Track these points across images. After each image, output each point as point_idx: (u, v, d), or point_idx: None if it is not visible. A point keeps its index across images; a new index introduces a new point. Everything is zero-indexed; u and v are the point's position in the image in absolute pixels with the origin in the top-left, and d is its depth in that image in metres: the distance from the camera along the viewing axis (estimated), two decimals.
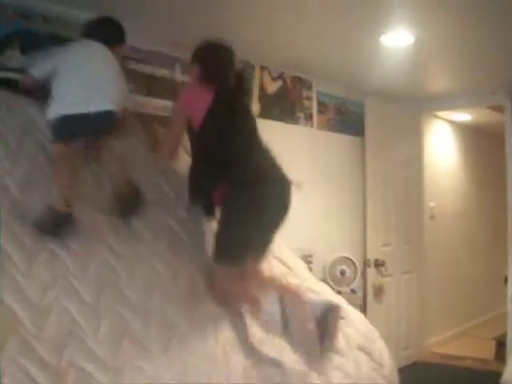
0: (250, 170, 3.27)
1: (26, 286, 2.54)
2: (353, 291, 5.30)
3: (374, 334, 3.73)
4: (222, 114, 3.25)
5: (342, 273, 5.26)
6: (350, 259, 5.35)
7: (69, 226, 2.87)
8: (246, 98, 3.61)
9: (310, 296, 3.31)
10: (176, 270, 3.13)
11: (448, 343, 7.32)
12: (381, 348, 3.66)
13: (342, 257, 5.32)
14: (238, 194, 3.19)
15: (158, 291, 2.94)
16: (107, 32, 3.32)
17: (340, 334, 3.34)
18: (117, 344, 2.56)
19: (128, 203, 3.18)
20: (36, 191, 2.94)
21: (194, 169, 3.36)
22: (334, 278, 5.22)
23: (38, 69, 3.19)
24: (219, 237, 3.22)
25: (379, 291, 5.73)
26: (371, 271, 5.71)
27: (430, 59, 4.94)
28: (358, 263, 5.43)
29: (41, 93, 3.16)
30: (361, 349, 3.51)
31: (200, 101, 3.26)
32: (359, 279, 5.47)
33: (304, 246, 5.11)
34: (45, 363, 2.30)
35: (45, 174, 3.03)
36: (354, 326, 3.53)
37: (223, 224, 3.24)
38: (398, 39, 4.33)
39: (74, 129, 2.98)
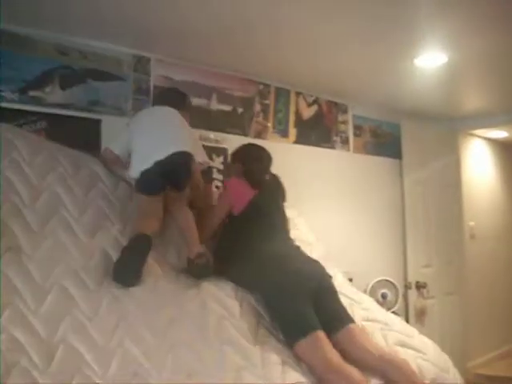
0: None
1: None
2: (395, 314, 5.26)
3: (448, 363, 3.64)
4: (261, 211, 3.49)
5: (384, 296, 5.23)
6: (391, 282, 5.32)
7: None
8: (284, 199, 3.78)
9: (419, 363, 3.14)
10: None
11: (493, 364, 7.21)
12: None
13: (383, 280, 5.29)
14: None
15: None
16: (174, 99, 3.55)
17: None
18: None
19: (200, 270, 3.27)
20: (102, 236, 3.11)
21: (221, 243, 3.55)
22: (376, 301, 5.17)
23: (117, 144, 3.36)
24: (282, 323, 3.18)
25: (421, 313, 5.68)
26: (412, 293, 5.67)
27: (463, 78, 4.94)
28: (399, 286, 5.39)
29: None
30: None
31: (245, 194, 3.48)
32: (401, 302, 5.43)
33: (345, 270, 5.10)
34: None
35: (109, 220, 3.22)
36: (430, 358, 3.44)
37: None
38: (431, 60, 4.34)
39: (152, 180, 3.14)
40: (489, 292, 7.42)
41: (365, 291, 5.17)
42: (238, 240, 3.41)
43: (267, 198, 3.57)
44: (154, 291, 3.05)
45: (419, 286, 5.70)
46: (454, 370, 3.54)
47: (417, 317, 5.64)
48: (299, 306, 3.09)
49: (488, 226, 7.62)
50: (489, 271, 7.48)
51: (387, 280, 5.31)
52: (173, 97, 3.60)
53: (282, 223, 3.61)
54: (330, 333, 3.05)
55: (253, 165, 3.64)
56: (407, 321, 5.58)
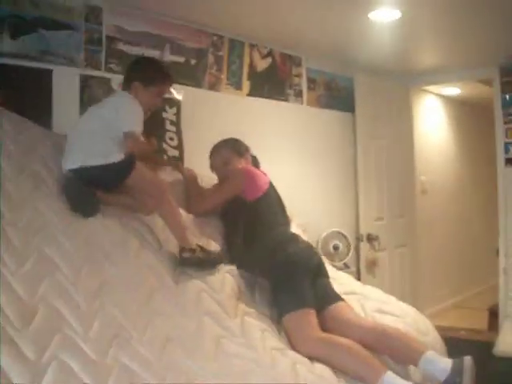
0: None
1: None
2: (346, 266, 5.35)
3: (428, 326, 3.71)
4: (273, 199, 3.72)
5: (335, 247, 5.30)
6: (343, 234, 5.39)
7: None
8: None
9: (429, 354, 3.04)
10: None
11: (442, 315, 7.39)
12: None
13: (335, 231, 5.35)
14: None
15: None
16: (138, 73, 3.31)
17: None
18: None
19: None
20: None
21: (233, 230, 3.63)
22: (327, 252, 5.25)
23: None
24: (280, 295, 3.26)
25: (372, 265, 5.76)
26: (364, 245, 5.75)
27: (417, 34, 4.96)
28: (350, 238, 5.46)
29: None
30: None
31: (264, 182, 3.71)
32: (352, 254, 5.51)
33: (298, 222, 5.15)
34: None
35: None
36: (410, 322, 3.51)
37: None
38: (385, 15, 4.36)
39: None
40: (439, 245, 7.59)
41: (317, 242, 5.24)
42: (256, 225, 3.53)
43: (274, 187, 3.80)
44: (136, 260, 3.08)
45: (371, 239, 5.77)
46: (435, 333, 3.64)
47: (368, 268, 5.73)
48: (303, 281, 3.23)
49: (439, 181, 7.76)
50: (439, 225, 7.63)
51: (339, 232, 5.38)
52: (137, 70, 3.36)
53: (284, 210, 3.80)
54: (321, 309, 3.20)
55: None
56: (358, 272, 5.69)
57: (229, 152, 3.84)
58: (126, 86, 3.28)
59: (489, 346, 5.18)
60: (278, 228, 3.60)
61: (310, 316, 3.10)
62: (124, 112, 3.13)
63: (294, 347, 2.98)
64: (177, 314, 2.90)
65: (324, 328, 3.10)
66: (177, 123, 4.40)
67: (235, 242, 3.57)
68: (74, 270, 2.77)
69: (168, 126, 4.37)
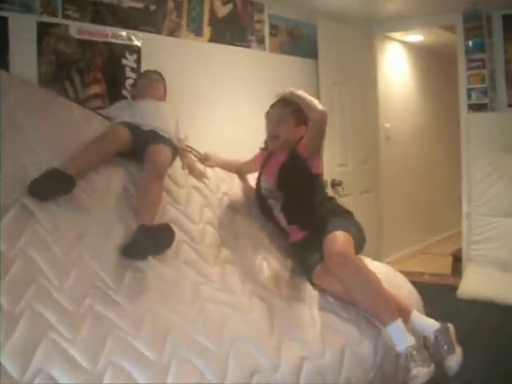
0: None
1: None
2: None
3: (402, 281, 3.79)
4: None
5: None
6: None
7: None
8: None
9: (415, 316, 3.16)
10: None
11: (406, 261, 7.52)
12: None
13: None
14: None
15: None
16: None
17: None
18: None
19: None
20: None
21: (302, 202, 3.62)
22: None
23: None
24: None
25: None
26: (328, 191, 5.76)
27: None
28: None
29: None
30: None
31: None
32: None
33: None
34: None
35: None
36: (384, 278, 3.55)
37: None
38: None
39: None
40: (403, 192, 7.67)
41: None
42: (319, 194, 3.69)
43: None
44: (113, 212, 3.12)
45: (335, 184, 5.80)
46: (409, 286, 3.70)
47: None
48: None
49: (403, 127, 7.81)
50: (403, 171, 7.71)
51: None
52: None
53: None
54: None
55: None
56: None
57: (290, 114, 3.74)
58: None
59: (452, 289, 5.29)
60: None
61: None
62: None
63: (332, 254, 3.07)
64: (155, 264, 2.94)
65: None
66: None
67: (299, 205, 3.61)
68: (54, 222, 2.79)
69: (128, 73, 4.33)
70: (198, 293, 2.81)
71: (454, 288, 5.44)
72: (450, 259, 6.74)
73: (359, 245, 3.37)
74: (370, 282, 3.01)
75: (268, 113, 3.81)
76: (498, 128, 5.81)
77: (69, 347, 2.25)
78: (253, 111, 5.18)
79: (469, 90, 6.04)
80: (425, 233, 8.40)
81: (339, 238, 3.15)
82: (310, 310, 2.97)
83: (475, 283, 5.45)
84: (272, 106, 3.80)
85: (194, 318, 2.59)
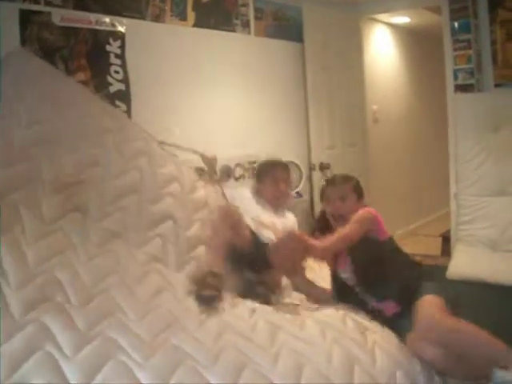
0: None
1: None
2: (299, 195, 5.38)
3: None
4: None
5: None
6: (295, 163, 5.40)
7: None
8: None
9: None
10: None
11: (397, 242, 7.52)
12: None
13: (287, 161, 5.33)
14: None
15: None
16: None
17: None
18: None
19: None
20: None
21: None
22: None
23: None
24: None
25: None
26: (316, 174, 5.79)
27: None
28: (303, 167, 5.48)
29: None
30: None
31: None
32: (305, 183, 5.54)
33: (249, 153, 5.17)
34: None
35: None
36: None
37: None
38: None
39: None
40: (392, 173, 7.69)
41: None
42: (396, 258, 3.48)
43: None
44: None
45: (323, 167, 5.81)
46: None
47: (321, 197, 5.76)
48: None
49: (390, 109, 7.82)
50: (392, 153, 7.72)
51: (291, 161, 5.37)
52: None
53: None
54: None
55: None
56: (312, 201, 5.74)
57: (349, 189, 3.74)
58: None
59: (443, 270, 5.30)
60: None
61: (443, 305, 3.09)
62: None
63: (419, 320, 2.97)
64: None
65: None
66: (121, 56, 4.33)
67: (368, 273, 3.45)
68: None
69: (112, 60, 4.31)
70: (277, 337, 2.72)
71: (444, 269, 5.44)
72: (439, 240, 6.75)
73: (450, 301, 3.19)
74: (469, 332, 2.90)
75: (326, 192, 3.80)
76: (485, 108, 5.80)
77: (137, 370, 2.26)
78: (239, 96, 5.19)
79: (455, 71, 6.03)
80: (414, 214, 8.44)
81: (424, 303, 3.06)
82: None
83: (464, 263, 5.46)
84: (329, 185, 3.82)
85: (271, 359, 2.50)
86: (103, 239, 3.12)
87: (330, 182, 3.83)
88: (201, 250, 3.65)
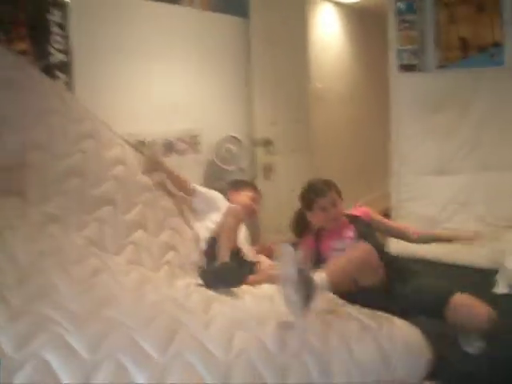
0: None
1: None
2: (241, 170, 5.39)
3: None
4: None
5: (230, 152, 5.30)
6: (237, 138, 5.40)
7: None
8: None
9: None
10: None
11: None
12: None
13: (230, 136, 5.35)
14: None
15: None
16: None
17: None
18: None
19: None
20: None
21: None
22: (222, 157, 5.27)
23: None
24: None
25: (268, 170, 5.83)
26: (259, 150, 5.79)
27: None
28: (245, 142, 5.48)
29: None
30: None
31: None
32: (247, 158, 5.54)
33: (191, 127, 5.14)
34: None
35: None
36: None
37: None
38: None
39: None
40: (335, 151, 7.76)
41: (211, 147, 5.25)
42: None
43: None
44: None
45: (266, 143, 5.81)
46: None
47: (264, 173, 5.79)
48: None
49: (335, 87, 7.85)
50: (335, 131, 7.79)
51: (234, 136, 5.38)
52: None
53: None
54: None
55: None
56: (255, 177, 5.75)
57: (337, 194, 3.98)
58: None
59: (382, 245, 5.38)
60: None
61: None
62: None
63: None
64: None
65: None
66: (64, 26, 4.23)
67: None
68: None
69: (54, 29, 4.21)
70: (211, 306, 2.79)
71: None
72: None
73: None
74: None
75: (318, 203, 3.90)
76: (427, 88, 5.90)
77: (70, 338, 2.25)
78: (183, 69, 5.15)
79: (399, 51, 6.08)
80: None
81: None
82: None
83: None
84: (319, 196, 3.91)
85: (204, 324, 2.56)
86: (43, 223, 3.10)
87: (319, 192, 3.94)
88: (140, 233, 3.66)
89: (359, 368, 2.60)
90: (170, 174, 4.28)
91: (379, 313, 3.07)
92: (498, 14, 5.65)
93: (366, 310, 3.09)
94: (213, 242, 3.98)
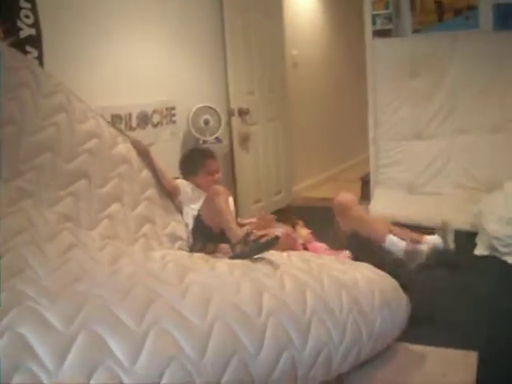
0: None
1: None
2: (218, 140, 5.34)
3: None
4: None
5: (206, 122, 5.25)
6: (213, 108, 5.35)
7: None
8: None
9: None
10: None
11: (317, 187, 7.65)
12: None
13: (205, 106, 5.30)
14: None
15: None
16: None
17: None
18: None
19: None
20: None
21: None
22: (198, 127, 5.22)
23: None
24: None
25: (245, 139, 5.80)
26: (236, 120, 5.76)
27: None
28: (221, 112, 5.44)
29: None
30: None
31: None
32: (224, 128, 5.51)
33: (167, 99, 5.10)
34: None
35: None
36: None
37: None
38: None
39: None
40: (312, 119, 7.75)
41: (187, 118, 5.21)
42: None
43: None
44: None
45: (242, 113, 5.76)
46: None
47: (241, 142, 5.77)
48: None
49: (310, 54, 7.82)
50: (311, 99, 7.77)
51: (209, 106, 5.33)
52: None
53: None
54: None
55: None
56: (231, 147, 5.73)
57: None
58: None
59: None
60: None
61: None
62: None
63: None
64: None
65: None
66: (32, 0, 4.15)
67: None
68: None
69: (22, 3, 4.12)
70: (186, 276, 2.72)
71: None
72: (359, 184, 6.87)
73: None
74: None
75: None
76: (403, 53, 5.89)
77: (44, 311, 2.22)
78: (155, 41, 5.08)
79: (374, 16, 6.06)
80: (335, 159, 8.54)
81: None
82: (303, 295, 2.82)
83: (382, 205, 5.59)
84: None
85: (180, 294, 2.52)
86: (15, 198, 3.05)
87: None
88: (116, 207, 3.63)
89: (336, 327, 2.68)
90: (156, 170, 4.25)
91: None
92: None
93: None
94: (198, 220, 4.13)
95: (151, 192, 4.05)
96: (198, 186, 4.38)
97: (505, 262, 4.32)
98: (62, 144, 3.49)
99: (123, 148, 3.97)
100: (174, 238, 3.98)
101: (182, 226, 4.16)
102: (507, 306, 3.55)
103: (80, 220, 3.33)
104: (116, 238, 3.37)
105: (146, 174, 4.11)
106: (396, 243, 3.95)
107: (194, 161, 4.52)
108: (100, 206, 3.53)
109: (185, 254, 3.43)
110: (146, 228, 3.75)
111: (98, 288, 2.42)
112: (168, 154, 4.86)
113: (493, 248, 4.46)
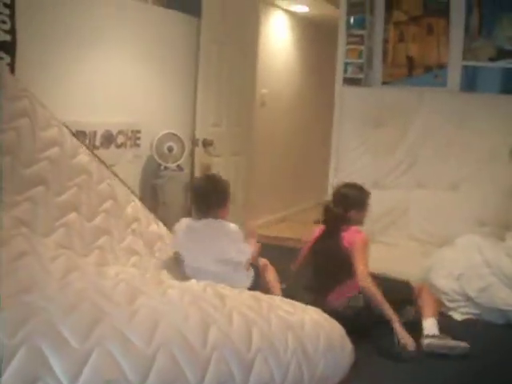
0: None
1: None
2: (179, 168, 5.37)
3: None
4: None
5: (170, 149, 5.27)
6: (178, 136, 5.38)
7: None
8: None
9: None
10: None
11: (272, 226, 7.67)
12: None
13: (170, 133, 5.33)
14: None
15: None
16: None
17: None
18: None
19: None
20: None
21: None
22: (162, 153, 5.24)
23: None
24: None
25: (206, 170, 5.81)
26: (199, 150, 5.78)
27: None
28: (185, 141, 5.46)
29: None
30: None
31: None
32: (186, 157, 5.52)
33: (133, 121, 5.11)
34: None
35: None
36: None
37: None
38: None
39: None
40: (275, 158, 7.82)
41: (151, 144, 5.22)
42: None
43: None
44: None
45: (206, 144, 5.79)
46: None
47: (202, 173, 5.78)
48: None
49: (280, 95, 7.92)
50: (276, 138, 7.86)
51: (174, 134, 5.36)
52: None
53: None
54: None
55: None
56: (192, 176, 5.73)
57: None
58: None
59: None
60: None
61: None
62: None
63: None
64: None
65: None
66: (11, 6, 4.14)
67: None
68: None
69: (1, 9, 4.10)
70: (137, 298, 2.70)
71: None
72: (313, 226, 6.88)
73: None
74: None
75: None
76: (370, 103, 5.97)
77: None
78: (129, 63, 5.10)
79: (346, 64, 6.16)
80: (293, 200, 8.60)
81: None
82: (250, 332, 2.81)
83: None
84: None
85: (128, 315, 2.50)
86: None
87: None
88: (73, 216, 3.59)
89: (279, 367, 2.69)
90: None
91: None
92: (445, 37, 5.79)
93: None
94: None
95: (110, 204, 3.98)
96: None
97: (450, 317, 4.37)
98: (22, 149, 3.44)
99: (84, 158, 3.92)
100: (129, 252, 3.91)
101: (139, 240, 4.11)
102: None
103: (36, 226, 3.26)
104: (71, 248, 3.33)
105: (105, 186, 4.06)
106: None
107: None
108: (57, 213, 3.47)
109: (138, 273, 3.40)
110: (102, 240, 3.69)
111: (46, 301, 2.39)
112: (129, 176, 4.85)
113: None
